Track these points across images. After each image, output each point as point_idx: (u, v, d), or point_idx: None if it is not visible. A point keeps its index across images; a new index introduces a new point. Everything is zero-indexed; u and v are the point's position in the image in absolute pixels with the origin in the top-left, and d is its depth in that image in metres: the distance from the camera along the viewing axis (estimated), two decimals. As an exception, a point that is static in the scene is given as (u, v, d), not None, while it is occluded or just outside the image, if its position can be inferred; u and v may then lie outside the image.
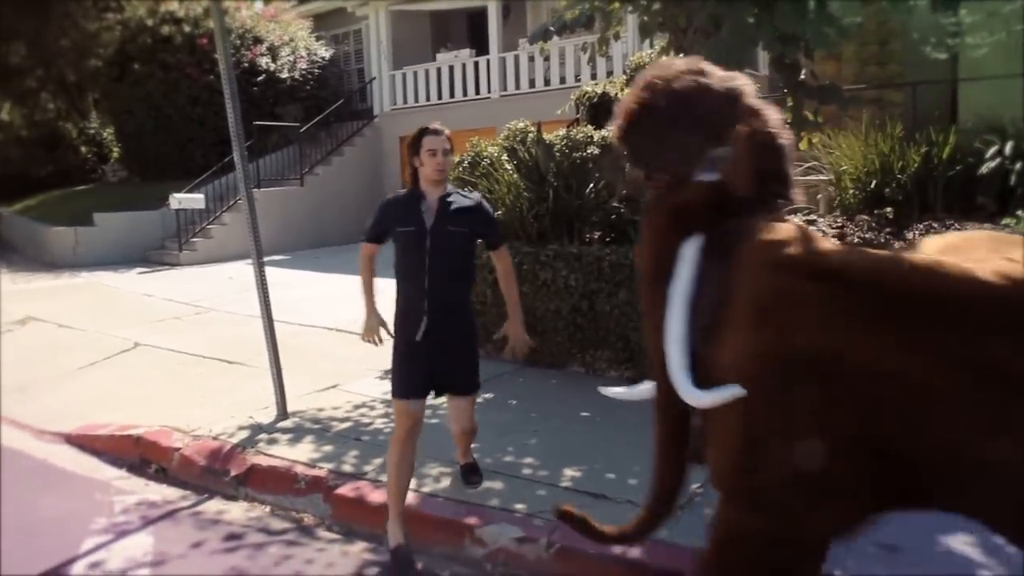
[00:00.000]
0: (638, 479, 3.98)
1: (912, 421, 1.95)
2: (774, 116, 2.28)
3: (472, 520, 3.67)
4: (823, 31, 5.42)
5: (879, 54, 8.69)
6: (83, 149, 20.88)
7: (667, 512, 2.53)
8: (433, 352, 3.54)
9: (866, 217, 6.45)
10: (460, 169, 7.16)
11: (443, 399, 3.89)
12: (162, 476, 4.68)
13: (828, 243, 2.15)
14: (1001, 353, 1.86)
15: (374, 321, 3.73)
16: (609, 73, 12.79)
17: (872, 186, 6.52)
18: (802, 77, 6.30)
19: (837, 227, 6.39)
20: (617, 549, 3.35)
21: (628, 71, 9.96)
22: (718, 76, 2.30)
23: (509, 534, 3.54)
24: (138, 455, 4.87)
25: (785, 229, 2.12)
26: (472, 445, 4.03)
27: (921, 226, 6.04)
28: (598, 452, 4.37)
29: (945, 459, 1.96)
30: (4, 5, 18.46)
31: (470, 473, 3.98)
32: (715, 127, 2.21)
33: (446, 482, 4.06)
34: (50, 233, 13.93)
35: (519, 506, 3.76)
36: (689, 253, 2.24)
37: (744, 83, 2.31)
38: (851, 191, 6.72)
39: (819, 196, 7.22)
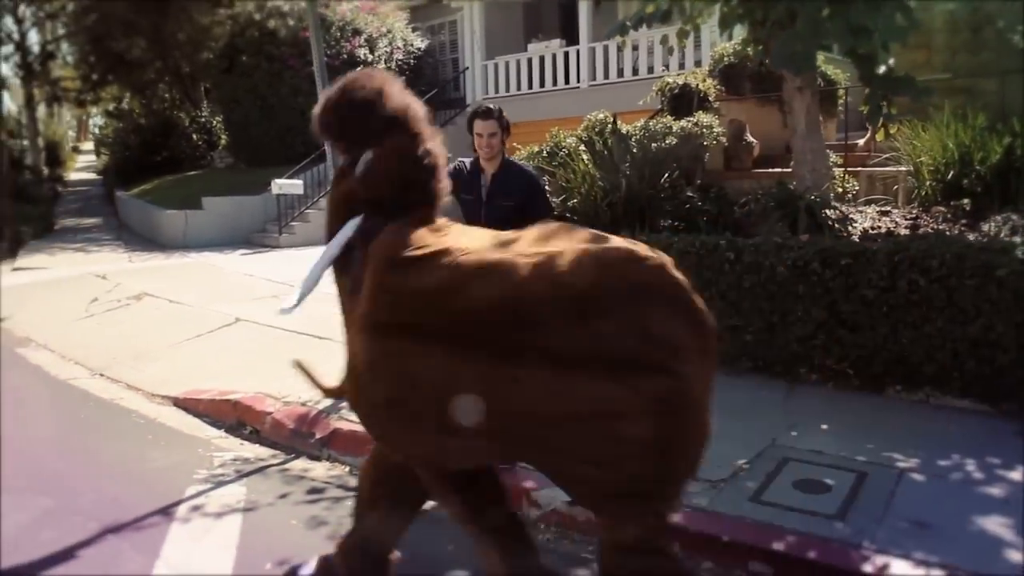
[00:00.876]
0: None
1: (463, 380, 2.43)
2: (431, 138, 2.79)
3: (529, 484, 3.97)
4: (894, 23, 5.45)
5: (971, 42, 8.50)
6: (194, 137, 22.07)
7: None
8: None
9: (942, 209, 6.41)
10: (540, 158, 7.45)
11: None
12: (255, 437, 5.17)
13: (435, 245, 2.57)
14: (542, 340, 2.30)
15: None
16: (697, 63, 12.80)
17: (950, 177, 6.47)
18: (882, 69, 6.32)
19: (911, 218, 6.38)
20: (659, 514, 3.59)
21: (712, 62, 10.03)
22: (397, 94, 2.76)
23: (562, 498, 3.82)
24: (235, 418, 5.38)
25: (401, 232, 2.62)
26: None
27: (999, 218, 5.97)
28: (654, 429, 4.59)
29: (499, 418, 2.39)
30: (127, 3, 19.72)
31: None
32: (375, 135, 2.69)
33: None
34: (163, 216, 14.92)
35: (573, 473, 4.04)
36: (347, 229, 2.75)
37: (418, 106, 2.81)
38: (929, 182, 6.68)
39: (896, 187, 7.18)
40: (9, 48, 23.19)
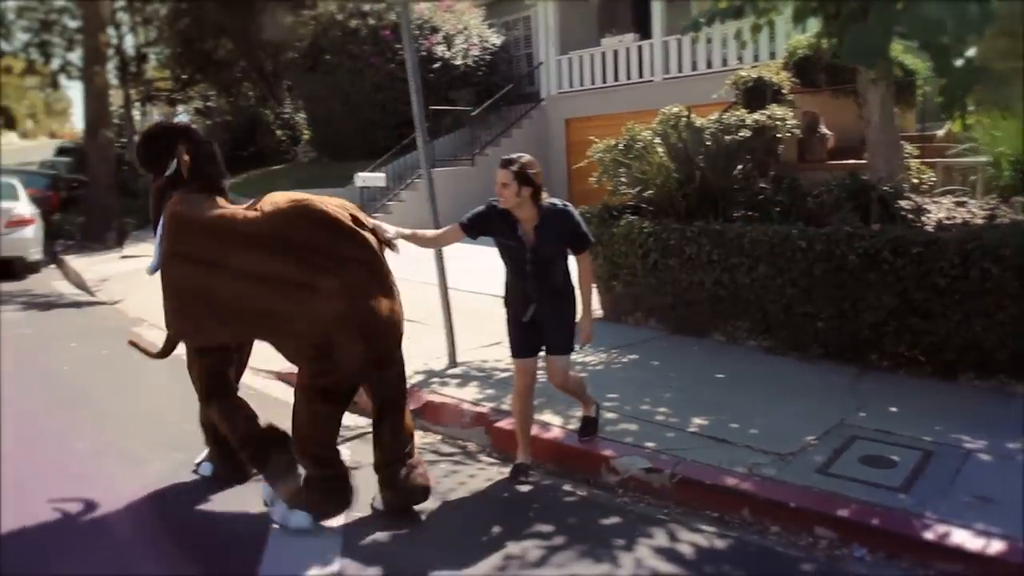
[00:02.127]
0: (759, 429, 4.47)
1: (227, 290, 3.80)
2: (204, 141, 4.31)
3: (608, 452, 4.29)
4: (968, 16, 5.53)
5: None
6: (278, 132, 22.95)
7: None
8: (537, 322, 4.21)
9: (1021, 199, 6.44)
10: (616, 151, 7.71)
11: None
12: (354, 408, 5.58)
13: (199, 207, 3.93)
14: (262, 257, 3.66)
15: (398, 233, 4.16)
16: (772, 55, 12.82)
17: (1030, 168, 6.50)
18: (960, 62, 6.38)
19: (988, 209, 6.43)
20: (730, 481, 3.88)
21: (786, 54, 10.11)
22: (182, 125, 4.62)
23: (639, 465, 4.14)
24: (334, 392, 5.82)
25: (188, 198, 3.98)
26: (595, 399, 4.61)
27: (1079, 209, 6.01)
28: (726, 407, 4.86)
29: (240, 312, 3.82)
30: (215, 5, 20.65)
31: (584, 428, 4.50)
32: (170, 149, 4.14)
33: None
34: (253, 208, 15.65)
35: (649, 444, 4.35)
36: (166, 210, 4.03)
37: (183, 125, 4.66)
38: (1008, 172, 6.71)
39: (974, 178, 7.21)
40: (110, 52, 24.51)
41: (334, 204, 3.77)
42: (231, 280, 3.75)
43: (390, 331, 3.83)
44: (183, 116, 27.29)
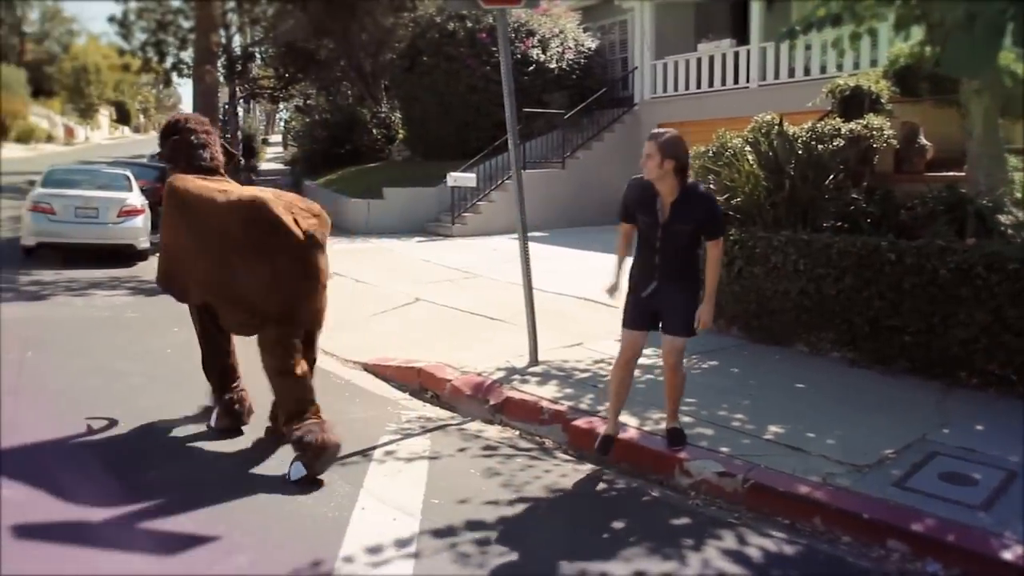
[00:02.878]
0: (836, 440, 4.46)
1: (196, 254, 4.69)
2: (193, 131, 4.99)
3: (682, 455, 4.35)
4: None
5: None
6: (374, 131, 23.56)
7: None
8: (656, 302, 4.28)
9: None
10: (705, 158, 7.71)
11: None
12: (436, 400, 5.82)
13: (190, 182, 4.73)
14: (228, 234, 4.44)
15: (615, 282, 4.52)
16: (874, 63, 12.50)
17: None
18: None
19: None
20: (803, 489, 3.89)
21: (887, 63, 9.86)
22: (195, 120, 5.10)
23: (712, 468, 4.19)
24: (418, 383, 6.06)
25: (181, 177, 4.79)
26: (680, 408, 4.56)
27: None
28: (804, 416, 4.85)
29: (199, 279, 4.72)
30: (320, 8, 21.37)
31: (673, 438, 4.44)
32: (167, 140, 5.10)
33: (664, 424, 4.76)
34: (348, 204, 16.21)
35: (724, 449, 4.39)
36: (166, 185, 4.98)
37: (174, 119, 5.20)
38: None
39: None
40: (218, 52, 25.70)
41: (283, 205, 4.43)
42: (196, 248, 4.62)
43: (316, 316, 4.77)
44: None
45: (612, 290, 4.53)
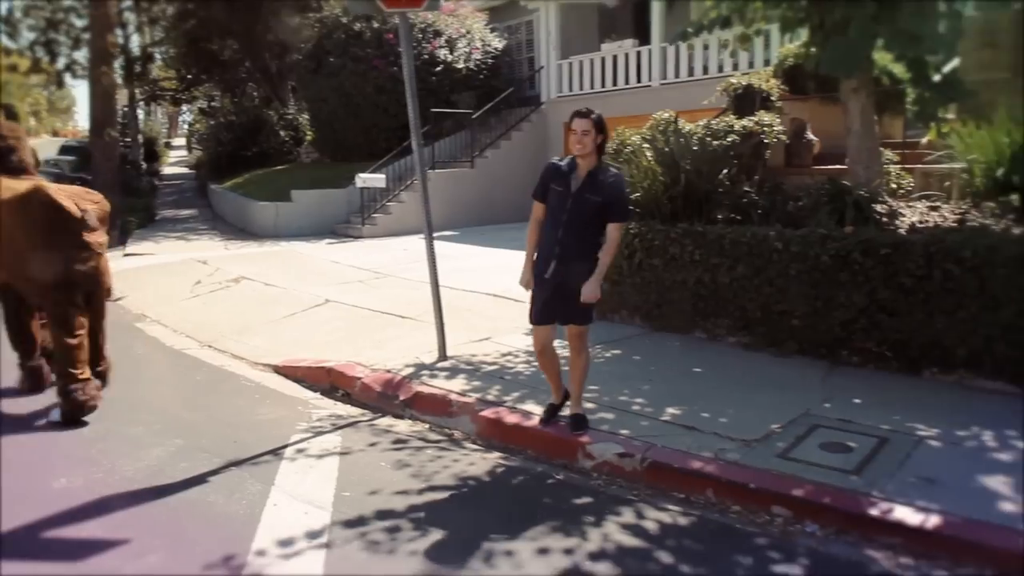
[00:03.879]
0: (728, 418, 4.74)
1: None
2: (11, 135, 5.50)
3: (585, 439, 4.55)
4: (938, 31, 5.81)
5: (1035, 42, 8.64)
6: (282, 133, 23.23)
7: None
8: (556, 288, 4.45)
9: (991, 204, 6.69)
10: (606, 155, 7.97)
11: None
12: (347, 399, 5.88)
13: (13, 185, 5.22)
14: (11, 216, 5.13)
15: (527, 276, 4.66)
16: (767, 62, 13.08)
17: (1000, 174, 6.74)
18: (937, 77, 6.65)
19: (960, 213, 6.68)
20: (696, 465, 4.14)
21: (777, 62, 10.36)
22: (6, 127, 5.57)
23: (613, 450, 4.40)
24: (329, 382, 6.10)
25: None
26: (583, 394, 4.83)
27: (1045, 214, 6.25)
28: (699, 398, 5.13)
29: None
30: (222, 7, 20.94)
31: (576, 423, 4.66)
32: None
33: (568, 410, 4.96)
34: (256, 207, 15.97)
35: (624, 431, 4.61)
36: None
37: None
38: (980, 179, 6.95)
39: (948, 184, 7.46)
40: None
41: (66, 193, 5.20)
42: (19, 234, 5.17)
43: (90, 279, 5.31)
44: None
45: (528, 284, 4.67)
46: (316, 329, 7.63)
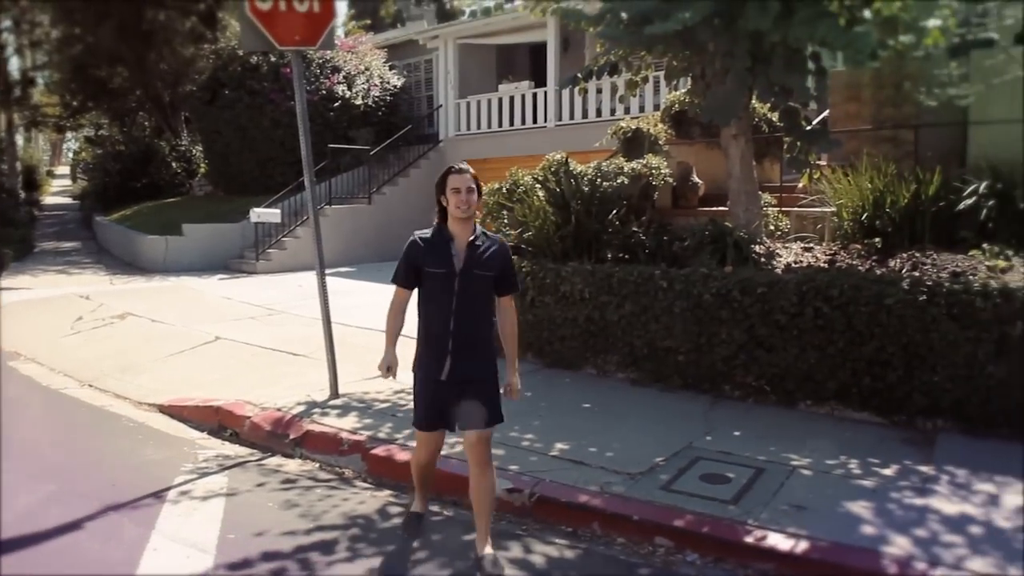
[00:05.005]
0: (614, 452, 4.89)
1: None
2: None
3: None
4: (805, 84, 6.25)
5: (894, 96, 9.35)
6: (174, 165, 22.61)
7: None
8: (455, 388, 3.69)
9: (858, 246, 7.16)
10: (499, 194, 8.14)
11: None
12: (235, 439, 5.74)
13: None
14: None
15: (389, 360, 3.87)
16: (656, 107, 13.63)
17: (865, 218, 7.24)
18: (807, 127, 7.12)
19: (830, 254, 7.13)
20: (582, 499, 4.25)
21: (664, 107, 10.83)
22: None
23: (502, 486, 4.45)
24: (217, 422, 5.95)
25: None
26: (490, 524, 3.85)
27: (904, 255, 6.73)
28: (588, 433, 5.26)
29: None
30: (111, 33, 20.31)
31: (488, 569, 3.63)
32: None
33: (459, 447, 4.98)
34: (144, 241, 15.44)
35: (513, 467, 4.69)
36: None
37: None
38: (847, 222, 7.44)
39: (820, 226, 7.95)
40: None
41: None
42: None
43: None
44: None
45: (390, 370, 3.88)
46: (205, 367, 7.43)
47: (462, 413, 3.71)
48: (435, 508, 4.47)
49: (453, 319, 3.67)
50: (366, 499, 4.60)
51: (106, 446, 5.50)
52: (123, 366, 7.58)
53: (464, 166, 3.81)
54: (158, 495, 4.52)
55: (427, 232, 3.82)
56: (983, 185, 6.79)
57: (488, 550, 3.70)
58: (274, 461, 5.27)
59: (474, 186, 3.71)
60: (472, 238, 3.72)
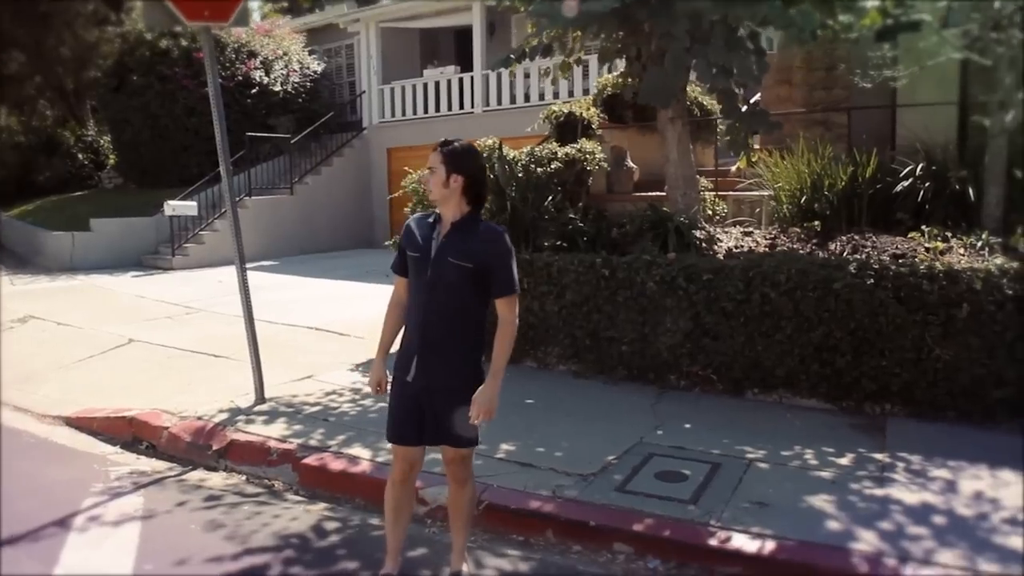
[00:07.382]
0: (563, 452, 4.63)
1: None
2: None
3: (418, 484, 4.26)
4: (746, 65, 6.09)
5: (825, 79, 9.35)
6: (80, 156, 21.42)
7: None
8: (424, 395, 3.21)
9: (797, 230, 7.08)
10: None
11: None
12: (152, 452, 5.28)
13: None
14: None
15: (378, 375, 3.35)
16: (586, 91, 13.43)
17: (803, 201, 7.16)
18: (744, 106, 6.98)
19: (770, 238, 7.03)
20: (534, 505, 3.98)
21: (596, 91, 10.62)
22: None
23: (447, 494, 4.14)
24: (131, 434, 5.47)
25: None
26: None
27: (844, 238, 6.67)
28: (534, 431, 4.99)
29: None
30: (3, 14, 19.04)
31: None
32: None
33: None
34: (48, 237, 14.51)
35: (458, 473, 4.37)
36: None
37: None
38: (786, 206, 7.36)
39: (758, 210, 7.86)
40: None
41: None
42: None
43: None
44: None
45: (379, 386, 3.35)
46: (117, 373, 6.88)
47: (435, 426, 3.23)
48: (376, 522, 4.13)
49: (423, 311, 3.16)
50: (299, 514, 4.23)
51: (3, 467, 4.97)
52: (24, 375, 6.96)
53: (446, 140, 3.24)
54: (63, 523, 4.05)
55: (427, 213, 3.34)
56: (919, 167, 6.77)
57: (465, 568, 3.44)
58: (196, 476, 4.84)
59: (437, 164, 3.13)
60: (455, 221, 3.16)
